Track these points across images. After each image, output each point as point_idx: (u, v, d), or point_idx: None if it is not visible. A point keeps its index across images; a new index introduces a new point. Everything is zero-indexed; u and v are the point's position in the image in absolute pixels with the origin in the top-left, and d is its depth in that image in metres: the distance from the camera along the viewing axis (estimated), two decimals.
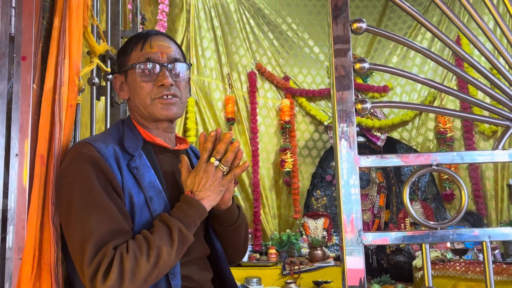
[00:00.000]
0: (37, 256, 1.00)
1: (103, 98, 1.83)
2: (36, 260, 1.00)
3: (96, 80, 1.67)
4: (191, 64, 1.23)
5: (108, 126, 1.84)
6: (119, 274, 0.89)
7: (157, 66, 1.12)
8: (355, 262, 0.97)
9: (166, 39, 1.18)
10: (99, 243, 0.91)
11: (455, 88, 4.37)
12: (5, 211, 1.05)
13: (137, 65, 1.11)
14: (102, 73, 1.83)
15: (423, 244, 0.98)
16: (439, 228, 0.99)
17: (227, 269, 1.24)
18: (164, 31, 3.84)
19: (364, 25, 1.05)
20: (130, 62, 1.14)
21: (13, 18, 1.10)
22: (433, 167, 1.02)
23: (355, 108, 1.02)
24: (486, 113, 3.88)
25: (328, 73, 4.82)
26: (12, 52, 1.11)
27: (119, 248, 0.92)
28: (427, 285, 0.98)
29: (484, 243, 0.99)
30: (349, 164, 1.00)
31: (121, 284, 0.89)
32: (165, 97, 1.10)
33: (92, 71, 1.66)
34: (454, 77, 4.54)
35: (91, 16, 1.50)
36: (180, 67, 1.15)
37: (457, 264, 3.33)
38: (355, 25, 1.05)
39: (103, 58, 1.80)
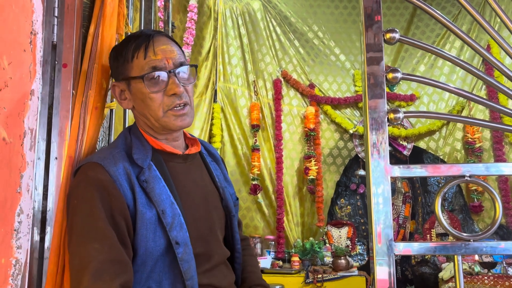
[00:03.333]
0: (62, 255, 1.03)
1: None
2: (61, 259, 1.03)
3: None
4: (197, 65, 1.18)
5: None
6: None
7: (165, 75, 1.06)
8: (385, 272, 0.97)
9: (168, 41, 1.10)
10: (96, 273, 0.88)
11: (484, 97, 4.27)
12: (44, 212, 1.09)
13: (145, 76, 1.04)
14: None
15: (456, 256, 0.97)
16: (471, 240, 0.97)
17: (239, 270, 1.24)
18: (193, 39, 3.91)
19: (397, 35, 1.05)
20: (133, 71, 1.07)
21: (55, 27, 1.15)
22: (466, 178, 1.00)
23: (388, 118, 1.02)
24: None
25: (354, 81, 4.79)
26: (54, 59, 1.15)
27: None
28: None
29: None
30: (380, 173, 1.00)
31: None
32: (177, 107, 1.06)
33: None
34: (484, 87, 4.44)
35: (126, 24, 1.55)
36: (186, 70, 1.11)
37: (485, 277, 3.24)
38: (388, 35, 1.05)
39: None
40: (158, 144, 1.09)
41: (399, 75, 1.03)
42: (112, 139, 1.43)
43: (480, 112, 4.34)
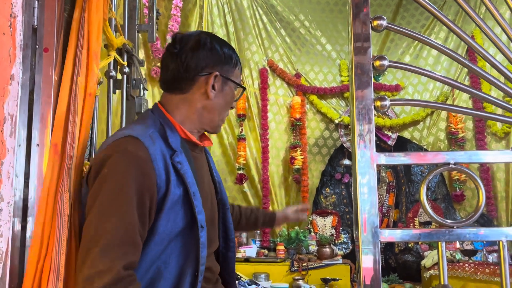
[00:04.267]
0: (45, 247, 1.01)
1: (117, 91, 1.85)
2: (44, 251, 1.01)
3: (113, 73, 1.68)
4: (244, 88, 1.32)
5: (124, 120, 1.85)
6: None
7: (241, 92, 1.23)
8: (371, 259, 0.97)
9: None
10: (105, 249, 0.89)
11: (468, 85, 4.33)
12: (25, 200, 1.07)
13: (241, 91, 1.21)
14: (119, 67, 1.84)
15: (440, 242, 0.98)
16: (455, 227, 0.99)
17: (234, 258, 1.30)
18: (178, 26, 3.86)
19: (384, 23, 1.05)
20: (233, 76, 1.17)
21: (36, 10, 1.11)
22: (450, 165, 1.01)
23: (374, 106, 1.02)
24: (500, 111, 3.84)
25: (340, 71, 4.80)
26: (35, 43, 1.12)
27: (130, 279, 0.91)
28: (442, 283, 0.98)
29: (500, 242, 0.98)
30: (367, 161, 1.00)
31: None
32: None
33: (109, 64, 1.67)
34: (467, 78, 4.50)
35: (110, 9, 1.51)
36: None
37: (466, 265, 3.32)
38: (376, 22, 1.05)
39: (119, 51, 1.82)
40: (186, 134, 1.13)
41: (386, 62, 1.02)
42: (96, 126, 1.40)
43: (464, 103, 4.40)
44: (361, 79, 1.03)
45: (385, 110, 1.03)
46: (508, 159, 0.97)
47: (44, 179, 1.05)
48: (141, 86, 1.97)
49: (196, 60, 1.10)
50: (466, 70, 4.46)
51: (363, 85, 1.02)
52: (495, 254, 3.68)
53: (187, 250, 1.05)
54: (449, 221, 0.97)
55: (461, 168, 1.01)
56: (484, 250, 3.73)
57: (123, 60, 1.83)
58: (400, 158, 1.01)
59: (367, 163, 1.00)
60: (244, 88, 1.23)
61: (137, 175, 0.95)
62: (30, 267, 0.99)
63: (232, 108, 1.21)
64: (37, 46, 1.12)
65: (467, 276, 3.20)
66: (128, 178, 0.95)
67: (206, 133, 1.25)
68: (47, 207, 1.03)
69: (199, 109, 1.13)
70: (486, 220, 4.03)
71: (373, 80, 3.81)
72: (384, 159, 1.01)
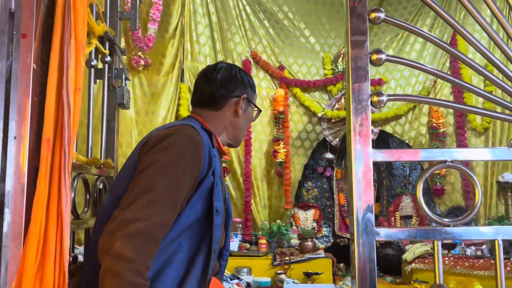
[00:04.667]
0: (42, 245, 0.96)
1: (98, 81, 1.78)
2: (40, 249, 0.97)
3: (95, 62, 1.62)
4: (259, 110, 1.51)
5: (105, 111, 1.78)
6: (123, 260, 0.94)
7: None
8: (367, 257, 0.96)
9: None
10: (150, 203, 1.01)
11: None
12: (1, 196, 1.01)
13: (257, 112, 1.45)
14: (100, 55, 1.77)
15: (435, 241, 0.97)
16: (451, 226, 0.98)
17: (224, 266, 1.47)
18: (159, 15, 3.76)
19: (382, 15, 1.02)
20: (253, 99, 1.40)
21: None
22: (447, 163, 1.00)
23: (371, 101, 1.00)
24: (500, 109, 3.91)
25: (323, 64, 4.79)
26: (12, 29, 1.05)
27: (155, 237, 1.01)
28: (438, 283, 0.97)
29: (496, 241, 0.98)
30: (363, 158, 0.98)
31: (114, 258, 0.95)
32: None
33: (90, 52, 1.60)
34: (449, 72, 4.55)
35: None
36: None
37: (446, 258, 3.37)
38: (373, 15, 1.02)
39: (100, 39, 1.75)
40: (219, 143, 1.33)
41: (383, 56, 1.00)
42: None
43: (445, 97, 4.46)
44: (358, 74, 1.00)
45: (382, 105, 1.01)
46: (508, 157, 0.96)
47: (39, 176, 0.99)
48: (123, 76, 1.90)
49: (230, 84, 1.35)
50: (447, 65, 4.51)
51: (359, 79, 1.00)
52: (473, 248, 3.76)
53: (202, 232, 1.16)
54: (446, 220, 0.96)
55: (458, 166, 1.00)
56: (463, 243, 3.81)
57: (105, 49, 1.76)
58: (397, 155, 0.99)
59: (364, 160, 0.97)
60: (260, 111, 1.47)
61: (193, 155, 1.11)
62: (28, 268, 0.94)
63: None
64: (15, 32, 1.05)
65: (447, 269, 3.26)
66: (185, 154, 1.10)
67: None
68: (42, 206, 0.98)
69: (227, 125, 1.36)
70: (465, 214, 4.10)
71: None
72: (381, 156, 0.99)
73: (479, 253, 3.66)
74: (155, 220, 1.00)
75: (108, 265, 0.94)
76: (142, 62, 3.29)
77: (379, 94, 0.99)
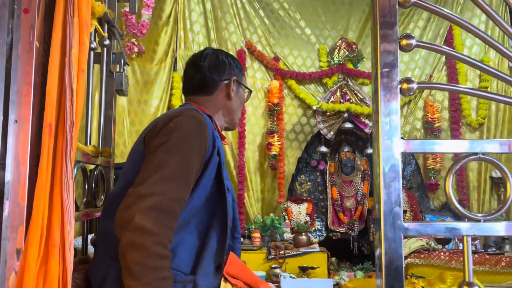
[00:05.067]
0: (45, 237, 0.90)
1: (95, 66, 1.70)
2: (43, 242, 0.90)
3: (94, 44, 1.54)
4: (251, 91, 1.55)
5: (103, 98, 1.71)
6: (146, 232, 0.95)
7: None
8: (394, 254, 0.91)
9: None
10: (164, 179, 1.02)
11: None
12: (1, 184, 0.94)
13: (248, 93, 1.48)
14: (98, 39, 1.69)
15: (465, 237, 0.93)
16: (482, 220, 0.94)
17: (240, 250, 1.45)
18: (154, 0, 3.66)
19: None
20: (243, 80, 1.45)
21: None
22: (478, 155, 0.96)
23: (400, 88, 0.95)
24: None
25: (318, 56, 4.74)
26: (13, 2, 0.97)
27: (171, 211, 1.01)
28: (467, 280, 0.93)
29: None
30: (392, 148, 0.93)
31: (135, 231, 0.94)
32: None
33: (89, 34, 1.52)
34: (444, 67, 4.55)
35: None
36: None
37: (442, 253, 3.38)
38: None
39: (99, 21, 1.66)
40: (218, 128, 1.34)
41: (413, 41, 0.95)
42: None
43: (440, 92, 4.47)
44: (386, 59, 0.95)
45: (411, 93, 0.96)
46: None
47: (40, 163, 0.92)
48: (122, 61, 1.82)
49: (219, 70, 1.38)
50: (443, 59, 4.50)
51: (389, 65, 0.95)
52: None
53: (214, 211, 1.18)
54: (480, 214, 0.92)
55: (489, 158, 0.96)
56: (456, 238, 3.82)
57: (104, 31, 1.68)
58: (427, 146, 0.94)
59: (393, 150, 0.93)
60: (251, 91, 1.50)
61: (199, 134, 1.13)
62: (30, 262, 0.87)
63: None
64: (16, 6, 0.97)
65: (443, 264, 3.26)
66: (192, 133, 1.12)
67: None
68: (45, 195, 0.91)
69: (222, 109, 1.38)
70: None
71: (351, 67, 3.80)
72: (410, 146, 0.94)
73: (472, 248, 3.68)
74: (171, 194, 1.01)
75: (130, 238, 0.94)
76: (136, 49, 3.20)
77: (409, 81, 0.95)
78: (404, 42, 0.95)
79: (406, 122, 4.54)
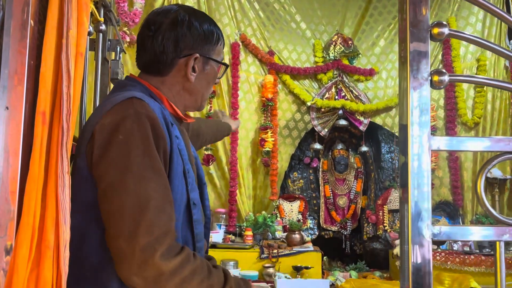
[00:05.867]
0: (37, 237, 0.81)
1: (89, 53, 1.61)
2: (35, 242, 0.81)
3: (91, 28, 1.44)
4: (228, 65, 1.27)
5: (98, 86, 1.61)
6: (181, 266, 0.88)
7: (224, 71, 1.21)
8: (422, 258, 0.85)
9: None
10: (157, 214, 0.88)
11: None
12: None
13: (224, 68, 1.19)
14: (93, 24, 1.59)
15: (498, 242, 0.87)
16: None
17: (208, 235, 1.30)
18: None
19: None
20: (214, 54, 1.15)
21: None
22: None
23: (431, 81, 0.88)
24: None
25: (314, 52, 4.67)
26: None
27: (188, 250, 0.93)
28: None
29: None
30: (422, 145, 0.86)
31: (174, 275, 0.87)
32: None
33: (89, 15, 1.43)
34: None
35: None
36: None
37: (437, 254, 3.36)
38: None
39: (95, 5, 1.57)
40: (175, 110, 1.12)
41: (446, 30, 0.88)
42: None
43: (435, 91, 4.44)
44: (417, 49, 0.88)
45: (442, 86, 0.90)
46: None
47: (32, 155, 0.83)
48: (118, 49, 1.73)
49: (174, 42, 1.08)
50: (439, 57, 4.48)
51: (419, 55, 0.88)
52: (459, 243, 3.77)
53: (185, 227, 1.05)
54: None
55: None
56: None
57: (100, 16, 1.59)
58: (459, 143, 0.88)
59: (423, 147, 0.86)
60: (227, 66, 1.22)
61: (154, 136, 0.95)
62: (19, 266, 0.78)
63: (216, 83, 1.21)
64: None
65: (438, 265, 3.24)
66: (149, 140, 0.93)
67: None
68: (37, 191, 0.82)
69: (180, 91, 1.13)
70: (452, 209, 4.11)
71: (347, 63, 3.76)
72: (442, 143, 0.87)
73: (466, 248, 3.67)
74: (172, 228, 0.92)
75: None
76: (128, 39, 3.08)
77: (440, 73, 0.88)
78: (435, 30, 0.89)
79: None
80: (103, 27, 1.55)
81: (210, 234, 3.60)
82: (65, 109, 0.88)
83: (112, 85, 1.76)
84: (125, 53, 1.77)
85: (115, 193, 0.89)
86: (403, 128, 0.88)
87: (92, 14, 1.49)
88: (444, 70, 0.88)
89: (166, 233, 0.88)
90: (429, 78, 0.88)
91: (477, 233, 0.87)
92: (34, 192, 0.84)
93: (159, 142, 0.95)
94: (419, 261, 0.85)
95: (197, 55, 1.10)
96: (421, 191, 0.85)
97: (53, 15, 0.92)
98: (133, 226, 0.86)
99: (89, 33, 1.43)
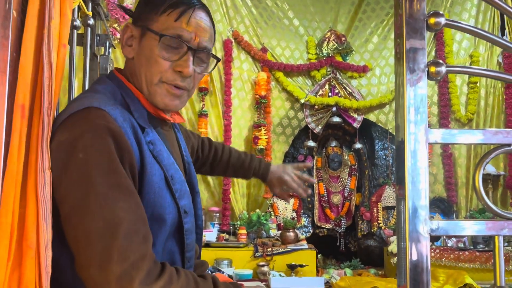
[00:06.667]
0: (16, 237, 0.77)
1: (78, 48, 1.57)
2: (15, 242, 0.77)
3: (78, 22, 1.41)
4: (219, 59, 1.09)
5: (87, 83, 1.58)
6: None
7: (185, 49, 0.96)
8: (420, 254, 0.82)
9: (207, 18, 1.01)
10: (128, 235, 0.79)
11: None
12: None
13: (163, 38, 0.94)
14: (81, 18, 1.56)
15: (497, 237, 0.85)
16: None
17: (200, 248, 1.23)
18: None
19: None
20: (155, 25, 0.95)
21: None
22: (511, 147, 0.88)
23: (428, 72, 0.86)
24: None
25: (307, 48, 4.65)
26: None
27: (170, 269, 0.84)
28: (498, 284, 0.86)
29: None
30: (419, 138, 0.84)
31: None
32: (175, 87, 0.97)
33: (72, 11, 1.39)
34: None
35: None
36: (207, 58, 1.02)
37: (431, 250, 3.35)
38: None
39: None
40: (154, 109, 0.99)
41: (442, 20, 0.86)
42: None
43: (429, 87, 4.44)
44: (413, 38, 0.86)
45: (439, 77, 0.87)
46: None
47: (10, 150, 0.79)
48: (107, 44, 1.69)
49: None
50: (433, 54, 4.48)
51: (415, 45, 0.86)
52: (454, 239, 3.77)
53: (175, 238, 0.98)
54: None
55: None
56: (444, 235, 3.82)
57: (88, 10, 1.55)
58: (456, 136, 0.86)
59: (420, 140, 0.84)
60: (174, 37, 0.94)
61: (117, 150, 0.84)
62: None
63: (181, 72, 0.96)
64: None
65: (433, 261, 3.23)
66: (111, 155, 0.83)
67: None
68: (16, 188, 0.78)
69: (135, 72, 0.98)
70: (447, 206, 4.12)
71: (340, 59, 3.74)
72: (439, 136, 0.85)
73: (460, 245, 3.67)
74: (149, 250, 0.82)
75: None
76: (118, 36, 3.04)
77: (438, 63, 0.85)
78: (432, 20, 0.86)
79: (394, 117, 4.52)
80: (91, 21, 1.51)
81: (204, 233, 3.60)
82: (46, 101, 0.84)
83: None
84: (115, 48, 1.73)
85: (80, 217, 0.79)
86: (400, 120, 0.86)
87: (79, 7, 1.45)
88: (441, 61, 0.86)
89: (143, 256, 0.79)
90: (426, 69, 0.85)
91: (475, 227, 0.85)
92: (12, 190, 0.80)
93: (124, 156, 0.84)
94: (416, 258, 0.82)
95: (129, 24, 0.99)
96: (419, 185, 0.83)
97: (34, 4, 0.88)
98: (105, 253, 0.76)
99: (77, 27, 1.40)
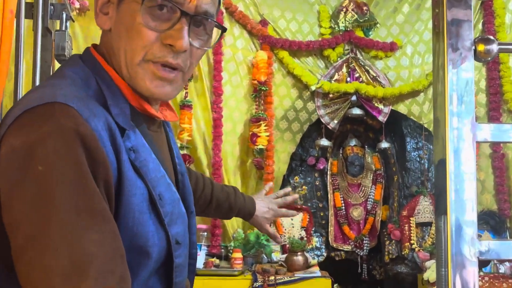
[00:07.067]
0: None
1: (27, 22, 1.59)
2: None
3: None
4: (225, 29, 1.09)
5: (38, 63, 1.59)
6: None
7: (177, 14, 0.91)
8: (464, 284, 0.84)
9: None
10: (103, 278, 0.74)
11: None
12: None
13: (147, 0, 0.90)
14: None
15: None
16: None
17: (193, 266, 1.26)
18: None
19: None
20: None
21: None
22: None
23: (475, 50, 0.87)
24: None
25: (319, 21, 4.67)
26: None
27: None
28: None
29: None
30: (464, 135, 0.85)
31: None
32: (164, 66, 0.92)
33: None
34: None
35: None
36: (209, 27, 0.98)
37: (480, 278, 3.37)
38: None
39: None
40: (139, 102, 0.96)
41: None
42: None
43: (476, 69, 4.47)
44: (456, 8, 0.87)
45: (489, 58, 0.88)
46: None
47: None
48: (64, 16, 1.71)
49: None
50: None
51: (459, 16, 0.87)
52: (507, 264, 3.80)
53: (160, 274, 0.97)
54: None
55: None
56: (494, 260, 3.84)
57: None
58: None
59: (465, 138, 0.85)
60: (142, 1, 0.90)
61: (89, 162, 0.79)
62: None
63: (173, 45, 0.92)
64: None
65: None
66: (81, 168, 0.78)
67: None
68: None
69: (113, 49, 0.95)
70: (498, 221, 4.14)
71: (361, 35, 3.80)
72: (488, 132, 0.86)
73: (501, 271, 3.72)
74: (120, 270, 0.79)
75: None
76: (77, 5, 3.06)
77: (487, 40, 0.87)
78: None
79: (431, 108, 4.54)
80: None
81: None
82: None
83: (58, 64, 1.74)
84: (74, 21, 1.74)
85: (37, 252, 0.74)
86: (439, 112, 0.87)
87: None
88: (491, 37, 0.87)
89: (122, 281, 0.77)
90: (473, 47, 0.86)
91: None
92: None
93: (98, 170, 0.80)
94: (462, 284, 0.83)
95: None
96: (464, 195, 0.84)
97: None
98: (78, 280, 0.73)
99: None
